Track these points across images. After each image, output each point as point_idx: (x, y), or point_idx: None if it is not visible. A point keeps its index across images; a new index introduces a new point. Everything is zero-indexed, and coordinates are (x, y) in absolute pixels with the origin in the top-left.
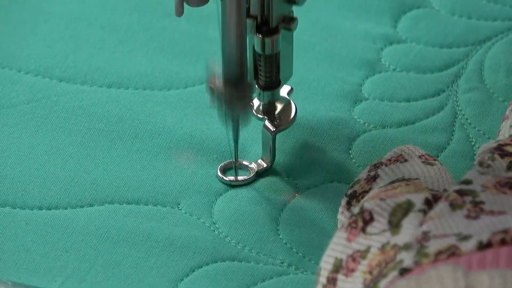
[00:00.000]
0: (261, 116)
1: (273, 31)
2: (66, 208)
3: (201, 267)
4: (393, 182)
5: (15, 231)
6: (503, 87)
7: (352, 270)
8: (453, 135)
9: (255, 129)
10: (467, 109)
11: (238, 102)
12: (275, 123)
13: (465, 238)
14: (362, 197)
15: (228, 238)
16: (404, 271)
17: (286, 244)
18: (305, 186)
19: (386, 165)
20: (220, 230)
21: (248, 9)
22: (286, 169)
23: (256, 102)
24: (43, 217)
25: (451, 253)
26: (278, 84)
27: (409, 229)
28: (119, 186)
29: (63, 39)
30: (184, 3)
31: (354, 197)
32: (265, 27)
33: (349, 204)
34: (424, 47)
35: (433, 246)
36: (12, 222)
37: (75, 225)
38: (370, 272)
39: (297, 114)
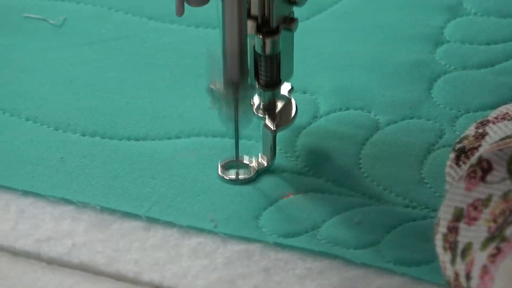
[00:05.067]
0: (261, 115)
1: (274, 32)
2: (153, 140)
3: (285, 197)
4: (503, 138)
5: (104, 159)
6: None
7: (475, 219)
8: None
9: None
10: None
11: (238, 103)
12: (276, 121)
13: None
14: (472, 154)
15: (311, 171)
16: None
17: (367, 177)
18: (386, 121)
19: (493, 123)
20: (303, 164)
21: (248, 10)
22: (368, 106)
23: (256, 101)
24: (131, 147)
25: None
26: (278, 83)
27: None
28: (205, 120)
29: None
30: (185, 3)
31: (463, 152)
32: (266, 28)
33: (457, 159)
34: None
35: None
36: (101, 151)
37: (162, 155)
38: (494, 220)
39: (378, 56)
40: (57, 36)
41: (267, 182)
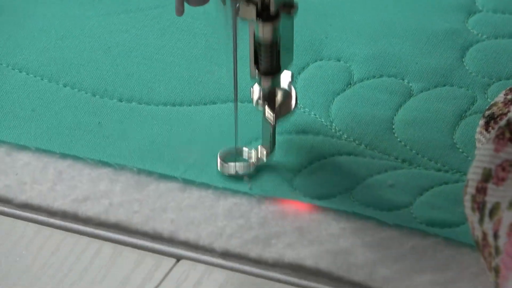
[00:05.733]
0: (261, 107)
1: (273, 17)
2: (190, 105)
3: (319, 160)
4: None
5: (141, 124)
6: None
7: (503, 179)
8: None
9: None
10: None
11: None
12: (275, 111)
13: None
14: (501, 119)
15: (345, 135)
16: None
17: (400, 142)
18: (419, 88)
19: None
20: (337, 128)
21: None
22: (401, 73)
23: (256, 93)
24: (168, 112)
25: None
26: (278, 70)
27: None
28: (241, 86)
29: None
30: (185, 2)
31: (492, 119)
32: (265, 13)
33: (487, 125)
34: None
35: None
36: (138, 116)
37: (199, 121)
38: None
39: (411, 25)
40: (95, 4)
41: (301, 145)
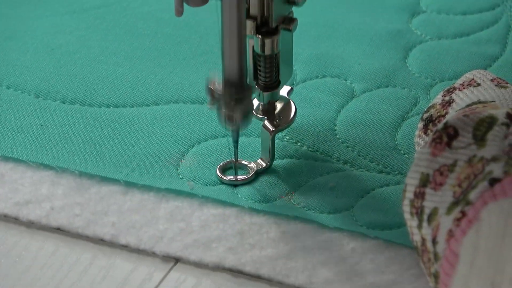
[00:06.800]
0: (260, 116)
1: (273, 32)
2: (132, 107)
3: None
4: (469, 105)
5: (84, 126)
6: None
7: (441, 184)
8: (506, 47)
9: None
10: None
11: (237, 104)
12: (275, 122)
13: None
14: (439, 121)
15: (287, 137)
16: (494, 181)
17: (342, 143)
18: (361, 89)
19: (459, 89)
20: None
21: (248, 10)
22: (344, 74)
23: (255, 102)
24: (111, 114)
25: None
26: (277, 85)
27: (494, 142)
28: (184, 87)
29: None
30: (184, 3)
31: (430, 121)
32: (265, 28)
33: (425, 128)
34: None
35: None
36: (80, 118)
37: (141, 122)
38: (459, 185)
39: (354, 25)
40: (39, 4)
41: (243, 147)
